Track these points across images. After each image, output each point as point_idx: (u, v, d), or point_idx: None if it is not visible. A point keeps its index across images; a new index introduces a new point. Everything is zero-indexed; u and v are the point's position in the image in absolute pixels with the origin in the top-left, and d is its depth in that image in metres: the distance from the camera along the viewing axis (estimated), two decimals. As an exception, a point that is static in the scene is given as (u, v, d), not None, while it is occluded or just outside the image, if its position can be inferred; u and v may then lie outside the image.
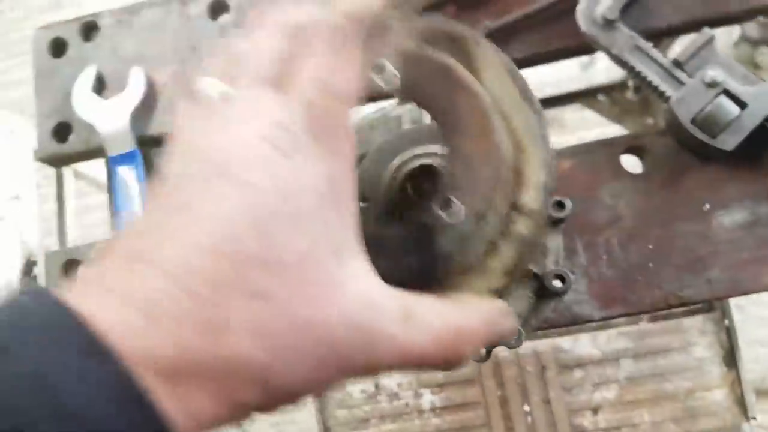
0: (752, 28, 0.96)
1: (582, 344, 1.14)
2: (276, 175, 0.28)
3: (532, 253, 0.41)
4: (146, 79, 0.75)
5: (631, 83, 1.28)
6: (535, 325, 0.48)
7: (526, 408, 1.13)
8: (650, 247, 0.58)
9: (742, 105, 0.57)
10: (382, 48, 0.35)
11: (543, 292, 0.54)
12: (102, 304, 0.26)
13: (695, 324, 1.10)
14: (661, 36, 0.68)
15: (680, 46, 0.64)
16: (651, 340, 1.12)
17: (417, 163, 0.44)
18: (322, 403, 1.20)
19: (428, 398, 1.18)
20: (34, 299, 0.26)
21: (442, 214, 0.36)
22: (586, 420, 1.12)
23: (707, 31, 0.60)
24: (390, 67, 0.36)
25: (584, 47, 0.65)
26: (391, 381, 1.19)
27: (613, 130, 1.32)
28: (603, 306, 0.57)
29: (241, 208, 0.27)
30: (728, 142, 0.57)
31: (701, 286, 0.56)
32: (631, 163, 0.62)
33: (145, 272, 0.26)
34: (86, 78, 0.76)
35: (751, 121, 0.57)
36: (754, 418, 1.06)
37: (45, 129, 0.77)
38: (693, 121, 0.57)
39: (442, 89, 0.39)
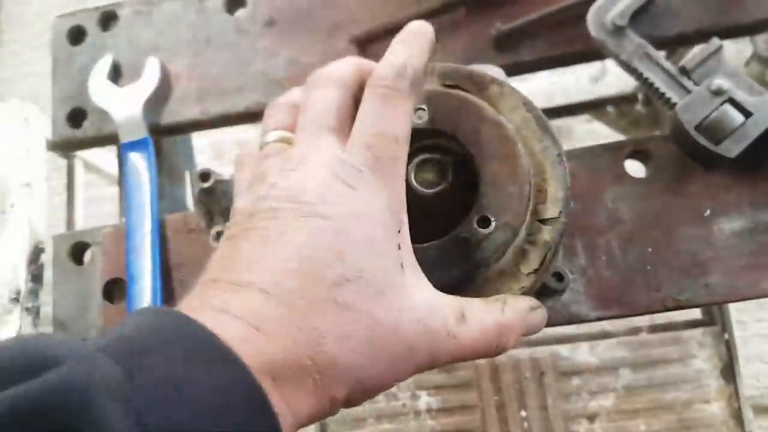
0: (764, 47, 0.97)
1: (581, 352, 1.14)
2: (346, 205, 0.34)
3: (555, 256, 0.46)
4: (161, 69, 0.76)
5: (640, 96, 1.29)
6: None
7: (523, 413, 1.14)
8: (650, 250, 0.58)
9: (746, 114, 0.58)
10: (421, 92, 0.42)
11: (541, 290, 0.55)
12: (218, 321, 0.30)
13: (695, 336, 1.10)
14: (671, 44, 0.69)
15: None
16: (650, 351, 1.12)
17: (421, 157, 0.46)
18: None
19: (425, 400, 1.18)
20: (165, 317, 0.31)
21: (480, 229, 0.42)
22: (582, 428, 1.12)
23: (716, 40, 0.61)
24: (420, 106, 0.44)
25: (594, 52, 0.66)
26: (389, 381, 1.20)
27: (620, 141, 1.32)
28: (600, 306, 0.57)
29: (319, 236, 0.33)
30: (731, 149, 0.57)
31: (699, 290, 0.57)
32: (635, 167, 0.63)
33: (248, 294, 0.32)
34: (103, 66, 0.77)
35: (755, 129, 0.57)
36: (751, 433, 1.06)
37: (60, 114, 0.79)
38: (697, 128, 0.58)
39: (468, 121, 0.45)
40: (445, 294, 0.38)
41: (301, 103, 0.40)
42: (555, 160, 0.45)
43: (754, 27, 0.67)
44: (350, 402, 0.34)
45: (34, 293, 0.78)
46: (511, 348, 0.41)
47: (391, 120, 0.37)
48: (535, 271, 0.43)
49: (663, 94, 0.60)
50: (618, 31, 0.62)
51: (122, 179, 0.74)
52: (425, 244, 0.42)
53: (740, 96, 0.58)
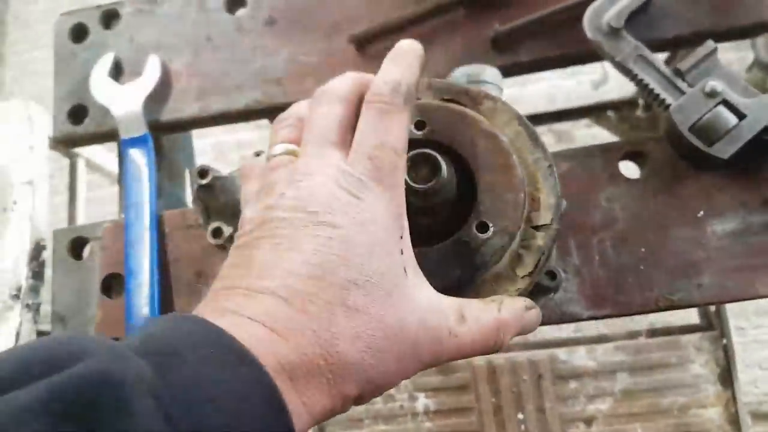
0: (766, 54, 0.97)
1: (579, 355, 1.14)
2: (351, 214, 0.36)
3: (547, 260, 0.48)
4: (162, 66, 0.77)
5: (641, 101, 1.29)
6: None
7: (520, 416, 1.14)
8: (643, 250, 0.59)
9: (740, 116, 0.58)
10: (414, 106, 0.44)
11: (534, 289, 0.55)
12: (236, 325, 0.32)
13: (693, 341, 1.10)
14: (667, 47, 0.69)
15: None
16: (648, 355, 1.12)
17: (415, 151, 0.46)
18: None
19: (423, 402, 1.18)
20: (187, 322, 0.32)
21: (479, 234, 0.45)
22: (580, 431, 1.12)
23: (710, 43, 0.61)
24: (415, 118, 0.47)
25: (590, 54, 0.66)
26: (387, 382, 1.20)
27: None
28: (593, 306, 0.58)
29: (328, 243, 0.35)
30: (724, 150, 0.58)
31: (692, 290, 0.57)
32: (629, 168, 0.63)
33: (264, 299, 0.34)
34: (104, 63, 0.78)
35: (748, 131, 0.58)
36: (748, 438, 1.06)
37: (61, 111, 0.79)
38: (691, 129, 0.59)
39: (466, 134, 0.48)
40: (446, 295, 0.41)
41: (307, 119, 0.42)
42: (546, 171, 0.48)
43: (749, 30, 0.67)
44: (361, 399, 0.36)
45: (34, 290, 0.79)
46: (507, 344, 0.43)
47: (390, 132, 0.40)
48: (530, 274, 0.46)
49: (658, 95, 0.61)
50: (614, 33, 0.63)
51: (122, 175, 0.74)
52: (428, 248, 0.45)
53: (734, 98, 0.59)
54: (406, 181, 0.45)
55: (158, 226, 0.70)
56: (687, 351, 1.10)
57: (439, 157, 0.45)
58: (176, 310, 0.67)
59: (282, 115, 0.45)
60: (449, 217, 0.47)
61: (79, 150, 1.12)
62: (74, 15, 0.84)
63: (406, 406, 1.19)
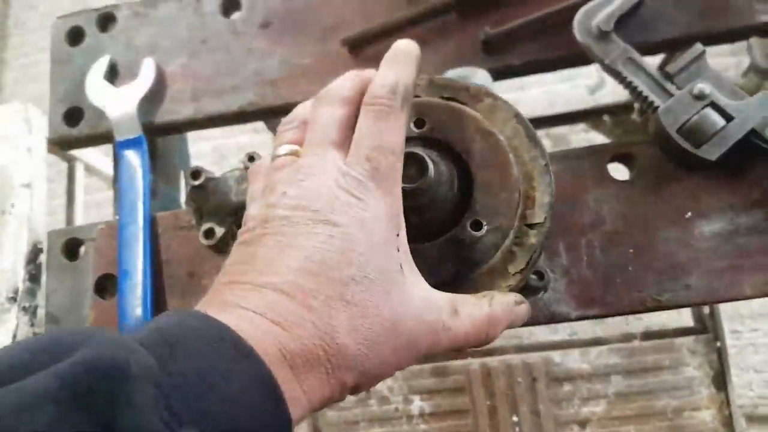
0: (761, 58, 0.97)
1: (573, 358, 1.14)
2: (351, 213, 0.38)
3: (539, 257, 0.49)
4: (157, 69, 0.77)
5: (636, 105, 1.30)
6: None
7: (515, 418, 1.14)
8: (631, 251, 0.59)
9: (728, 118, 0.59)
10: (411, 106, 0.45)
11: (522, 289, 0.56)
12: (241, 317, 0.34)
13: (686, 344, 1.11)
14: (656, 50, 0.70)
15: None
16: (641, 358, 1.12)
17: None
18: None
19: (418, 404, 1.18)
20: (189, 317, 0.34)
21: (473, 232, 0.46)
22: (574, 433, 1.12)
23: (699, 45, 0.62)
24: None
25: (580, 57, 0.67)
26: (382, 385, 1.20)
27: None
28: (581, 306, 0.58)
29: (329, 241, 0.37)
30: (711, 152, 0.58)
31: (679, 291, 0.58)
32: (618, 170, 0.63)
33: (268, 294, 0.36)
34: (100, 66, 0.79)
35: (735, 133, 0.58)
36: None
37: (57, 113, 0.80)
38: (678, 131, 0.59)
39: (463, 132, 0.49)
40: (440, 291, 0.42)
41: (310, 120, 0.44)
42: (542, 170, 0.49)
43: (738, 33, 0.68)
44: (357, 388, 0.38)
45: (31, 293, 0.79)
46: (497, 337, 0.45)
47: (387, 134, 0.41)
48: (521, 271, 0.47)
49: (646, 97, 0.61)
50: (603, 36, 0.63)
51: (116, 177, 0.75)
52: (425, 244, 0.46)
53: (722, 100, 0.59)
54: None
55: (152, 227, 0.71)
56: (681, 354, 1.11)
57: (427, 158, 0.46)
58: (169, 310, 0.67)
59: (287, 118, 0.46)
60: (449, 212, 0.48)
61: (77, 154, 1.13)
62: (71, 18, 0.84)
63: (401, 408, 1.19)
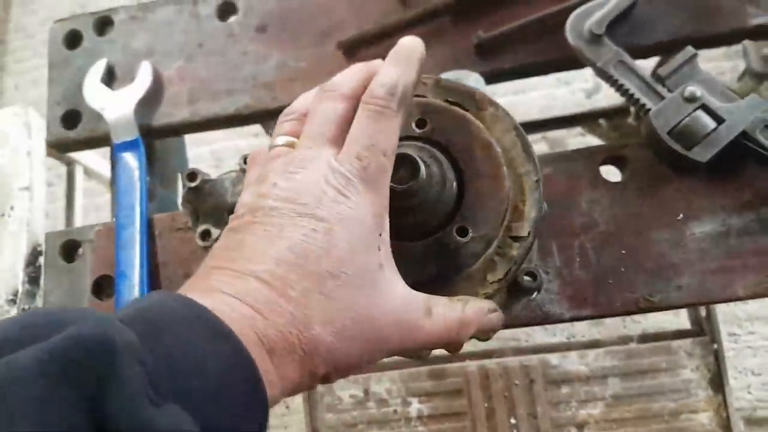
0: (757, 62, 0.98)
1: (571, 360, 1.15)
2: (336, 209, 0.39)
3: (518, 269, 0.49)
4: (154, 72, 0.78)
5: (632, 109, 1.30)
6: (506, 321, 0.51)
7: (512, 421, 1.14)
8: (623, 252, 0.59)
9: (719, 120, 0.59)
10: (408, 106, 0.45)
11: (514, 289, 0.56)
12: (223, 302, 0.35)
13: (684, 346, 1.11)
14: (648, 53, 0.70)
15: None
16: (639, 360, 1.13)
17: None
18: (312, 407, 1.21)
19: (416, 406, 1.19)
20: (172, 299, 0.35)
21: (458, 237, 0.47)
22: (571, 436, 1.12)
23: (690, 48, 0.62)
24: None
25: (573, 60, 0.67)
26: (380, 387, 1.20)
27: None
28: (574, 307, 0.58)
29: (312, 235, 0.38)
30: (702, 154, 0.59)
31: (671, 292, 0.58)
32: (611, 172, 0.64)
33: (250, 282, 0.37)
34: (97, 69, 0.79)
35: (726, 135, 0.59)
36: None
37: (55, 116, 0.81)
38: (670, 133, 0.59)
39: (462, 139, 0.49)
40: (416, 291, 0.43)
41: (310, 112, 0.44)
42: (533, 186, 0.49)
43: (730, 36, 0.68)
44: (328, 378, 0.39)
45: (30, 295, 0.79)
46: (466, 341, 0.46)
47: (380, 135, 0.41)
48: (499, 280, 0.48)
49: (638, 100, 0.62)
50: (595, 39, 0.64)
51: (113, 179, 0.75)
52: (410, 243, 0.47)
53: (713, 102, 0.60)
54: None
55: (149, 228, 0.71)
56: (678, 356, 1.11)
57: (419, 160, 0.46)
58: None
59: (287, 110, 0.47)
60: (440, 214, 0.48)
61: (76, 157, 1.13)
62: (68, 22, 0.85)
63: (399, 411, 1.19)
